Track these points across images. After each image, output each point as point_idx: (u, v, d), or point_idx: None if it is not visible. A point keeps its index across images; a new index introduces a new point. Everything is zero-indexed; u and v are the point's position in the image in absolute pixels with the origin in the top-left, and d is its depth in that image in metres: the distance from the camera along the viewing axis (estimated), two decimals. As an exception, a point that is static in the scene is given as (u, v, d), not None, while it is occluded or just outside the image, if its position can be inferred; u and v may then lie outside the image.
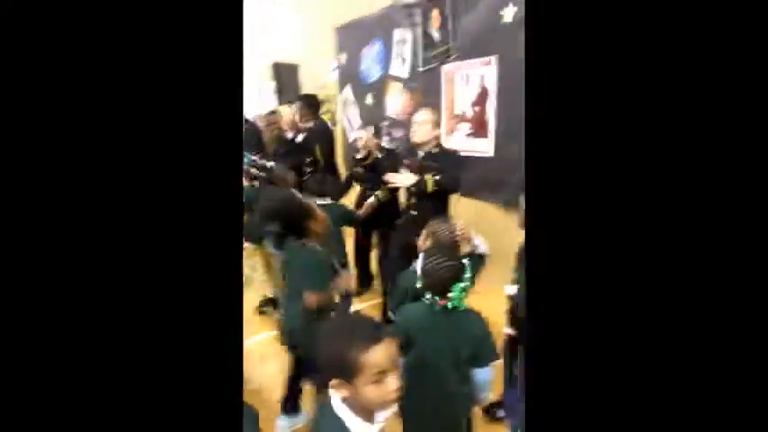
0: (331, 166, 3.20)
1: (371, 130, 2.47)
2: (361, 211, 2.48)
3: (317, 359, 0.83)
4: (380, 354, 0.78)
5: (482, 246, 1.74)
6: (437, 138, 2.17)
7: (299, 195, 1.79)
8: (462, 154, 2.40)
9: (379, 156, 2.43)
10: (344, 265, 2.47)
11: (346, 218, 2.38)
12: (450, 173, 2.07)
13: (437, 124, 2.17)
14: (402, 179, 2.17)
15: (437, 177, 2.06)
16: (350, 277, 1.67)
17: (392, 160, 2.33)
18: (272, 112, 3.64)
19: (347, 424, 0.81)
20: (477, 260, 1.70)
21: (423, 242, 1.60)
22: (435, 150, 2.15)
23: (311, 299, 1.54)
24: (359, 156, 2.61)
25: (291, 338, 1.64)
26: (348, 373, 0.78)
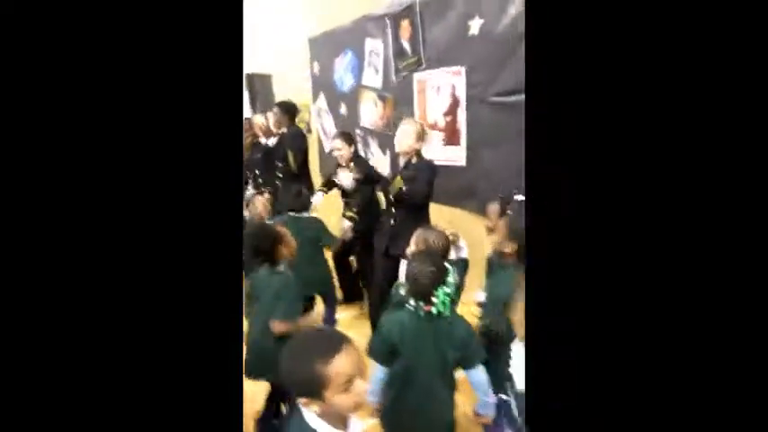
0: (305, 174, 3.21)
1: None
2: (340, 235, 2.53)
3: (284, 381, 0.83)
4: (343, 362, 0.78)
5: (464, 250, 1.76)
6: (418, 149, 2.19)
7: (268, 222, 1.80)
8: (437, 163, 2.43)
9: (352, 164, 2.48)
10: (327, 294, 2.48)
11: (325, 240, 2.41)
12: (418, 185, 2.09)
13: (420, 135, 2.19)
14: (343, 178, 2.31)
15: (402, 187, 2.10)
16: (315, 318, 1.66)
17: (369, 170, 2.37)
18: (246, 120, 3.62)
19: None
20: (462, 265, 1.72)
21: (414, 248, 1.60)
22: (415, 161, 2.18)
23: (279, 327, 1.52)
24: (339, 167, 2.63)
25: (251, 367, 1.59)
26: (316, 387, 0.78)
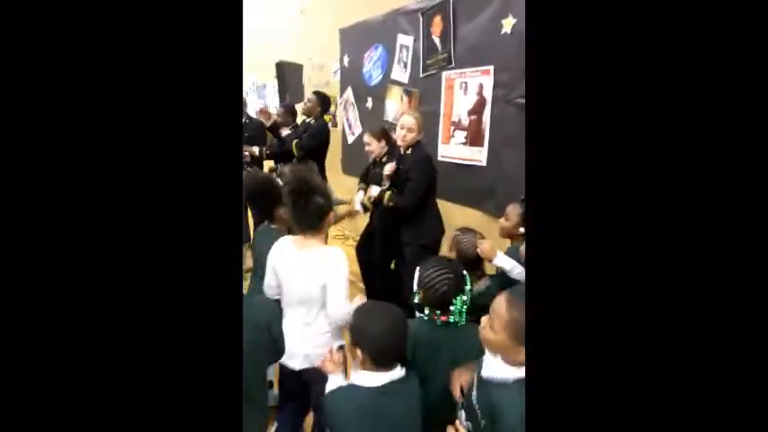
0: (318, 164, 3.21)
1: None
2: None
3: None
4: None
5: (517, 269, 1.54)
6: (417, 141, 2.24)
7: (279, 182, 1.75)
8: (458, 162, 2.42)
9: (385, 159, 2.47)
10: None
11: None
12: (407, 197, 2.14)
13: (419, 130, 2.23)
14: (373, 190, 2.29)
15: (394, 196, 2.17)
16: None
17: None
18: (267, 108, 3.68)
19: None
20: (500, 282, 1.54)
21: (447, 253, 1.55)
22: (408, 153, 2.22)
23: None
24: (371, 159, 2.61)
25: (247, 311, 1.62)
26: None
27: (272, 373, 1.86)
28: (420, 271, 1.24)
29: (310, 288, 1.37)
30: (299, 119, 3.50)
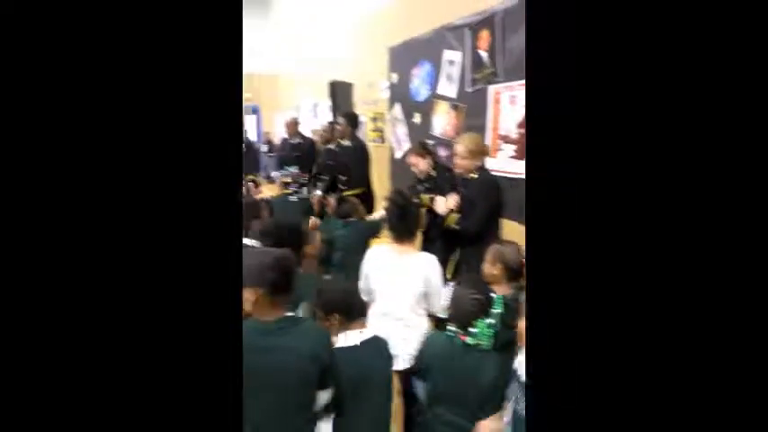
0: (364, 185, 3.24)
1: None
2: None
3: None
4: None
5: None
6: (479, 167, 2.16)
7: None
8: (507, 175, 2.35)
9: (434, 174, 2.45)
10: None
11: (374, 229, 2.45)
12: (472, 221, 2.07)
13: (478, 153, 2.16)
14: (439, 204, 2.19)
15: (457, 220, 2.11)
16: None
17: (448, 176, 2.35)
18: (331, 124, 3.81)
19: None
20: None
21: (489, 267, 1.54)
22: (474, 176, 2.15)
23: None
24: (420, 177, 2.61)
25: None
26: None
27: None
28: (454, 287, 1.25)
29: (412, 291, 1.52)
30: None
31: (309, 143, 3.90)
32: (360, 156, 3.24)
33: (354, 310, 1.26)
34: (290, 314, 1.15)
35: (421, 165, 2.47)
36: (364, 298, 1.60)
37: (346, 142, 3.32)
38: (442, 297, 1.53)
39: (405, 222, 1.61)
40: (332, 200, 2.68)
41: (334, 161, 3.42)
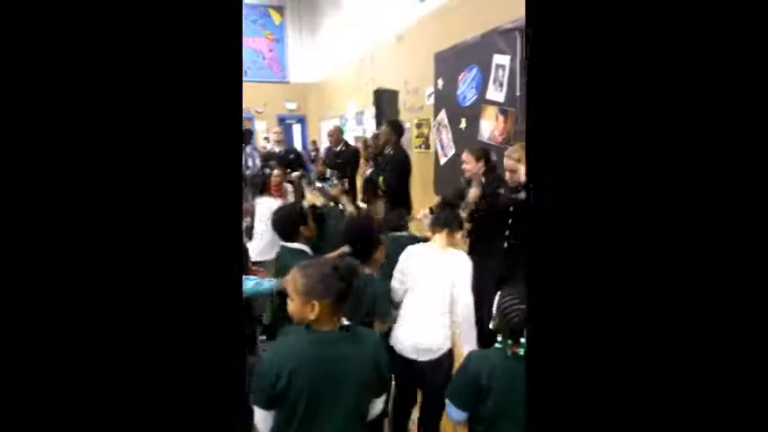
0: (404, 194, 3.21)
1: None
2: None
3: None
4: None
5: None
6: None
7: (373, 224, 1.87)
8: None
9: (483, 180, 2.40)
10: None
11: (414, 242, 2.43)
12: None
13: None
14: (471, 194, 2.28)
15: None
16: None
17: (497, 183, 2.33)
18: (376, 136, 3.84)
19: None
20: None
21: None
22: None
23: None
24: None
25: None
26: None
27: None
28: (499, 297, 1.20)
29: (441, 289, 1.60)
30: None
31: (352, 151, 3.93)
32: (400, 165, 3.20)
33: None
34: (346, 322, 1.13)
35: (471, 166, 2.40)
36: (398, 297, 1.71)
37: (389, 151, 3.30)
38: (464, 300, 1.60)
39: (449, 218, 1.70)
40: (380, 209, 2.68)
41: (377, 170, 3.42)
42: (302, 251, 1.79)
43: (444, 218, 1.72)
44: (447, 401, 1.24)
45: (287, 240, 1.83)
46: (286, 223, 1.82)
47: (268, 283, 1.68)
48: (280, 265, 1.80)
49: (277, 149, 4.52)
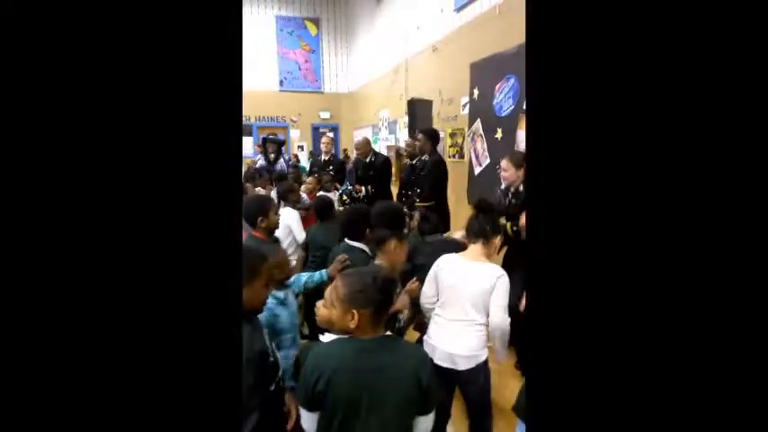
0: (439, 199, 3.21)
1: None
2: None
3: None
4: None
5: None
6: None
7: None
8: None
9: (521, 189, 2.39)
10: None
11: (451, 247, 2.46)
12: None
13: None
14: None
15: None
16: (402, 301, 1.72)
17: None
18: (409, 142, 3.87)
19: None
20: None
21: None
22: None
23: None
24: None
25: None
26: None
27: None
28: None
29: (472, 300, 1.59)
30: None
31: (382, 160, 3.96)
32: (438, 171, 3.23)
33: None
34: (388, 333, 1.14)
35: (510, 174, 2.37)
36: (428, 301, 1.73)
37: (426, 157, 3.33)
38: (494, 320, 1.58)
39: (480, 226, 1.67)
40: (416, 216, 2.70)
41: (413, 176, 3.44)
42: (364, 251, 1.92)
43: (478, 227, 1.69)
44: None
45: (353, 239, 1.99)
46: (357, 223, 2.01)
47: (318, 274, 1.87)
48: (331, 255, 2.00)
49: (325, 158, 4.64)
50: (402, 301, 1.65)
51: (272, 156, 5.02)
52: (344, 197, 3.79)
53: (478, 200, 1.75)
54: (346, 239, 2.01)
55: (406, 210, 3.23)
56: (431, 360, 1.13)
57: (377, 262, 1.70)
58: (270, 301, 1.62)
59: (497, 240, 1.69)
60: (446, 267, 1.69)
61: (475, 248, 1.68)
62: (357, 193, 3.77)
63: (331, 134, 4.51)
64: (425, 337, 1.72)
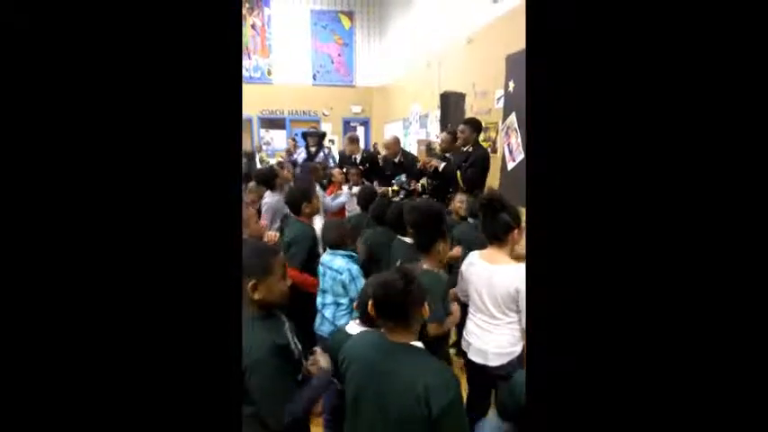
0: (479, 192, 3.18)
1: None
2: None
3: None
4: None
5: None
6: None
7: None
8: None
9: None
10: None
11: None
12: None
13: None
14: None
15: None
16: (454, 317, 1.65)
17: None
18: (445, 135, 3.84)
19: None
20: None
21: None
22: None
23: (434, 330, 1.52)
24: None
25: None
26: None
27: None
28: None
29: (500, 298, 1.56)
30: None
31: (411, 159, 3.93)
32: (481, 162, 3.19)
33: None
34: (416, 344, 1.09)
35: None
36: (464, 295, 1.73)
37: (470, 148, 3.28)
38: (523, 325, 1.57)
39: (493, 225, 1.62)
40: (457, 199, 2.72)
41: (450, 165, 3.40)
42: (411, 246, 1.93)
43: (489, 231, 1.63)
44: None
45: (401, 234, 2.07)
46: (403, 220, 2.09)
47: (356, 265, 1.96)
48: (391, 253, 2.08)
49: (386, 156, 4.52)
50: (453, 319, 1.63)
51: (314, 149, 5.08)
52: (396, 188, 3.67)
53: (483, 203, 1.65)
54: (399, 237, 2.06)
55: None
56: (456, 386, 1.01)
57: (425, 266, 1.62)
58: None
59: (515, 233, 1.61)
60: (470, 267, 1.69)
61: (491, 250, 1.65)
62: (410, 185, 3.70)
63: (392, 138, 4.29)
64: (464, 333, 1.71)
